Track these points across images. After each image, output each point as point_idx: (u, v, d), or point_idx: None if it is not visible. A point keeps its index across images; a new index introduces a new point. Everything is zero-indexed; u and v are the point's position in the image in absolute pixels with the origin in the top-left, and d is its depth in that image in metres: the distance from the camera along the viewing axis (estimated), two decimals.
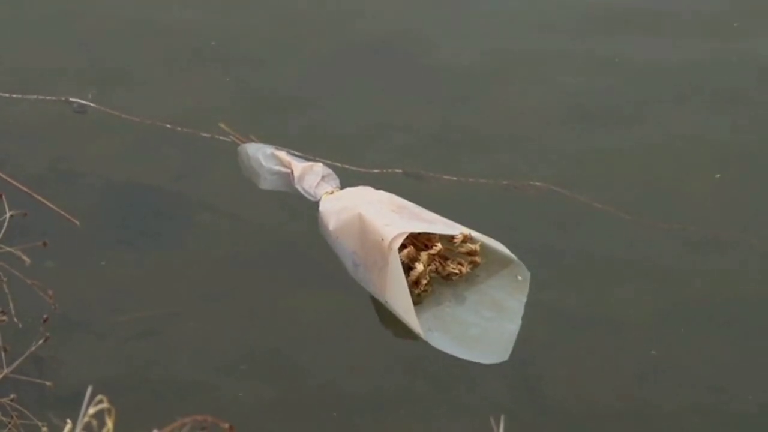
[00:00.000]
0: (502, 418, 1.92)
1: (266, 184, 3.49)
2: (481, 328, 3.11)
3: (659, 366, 3.06)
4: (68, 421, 1.71)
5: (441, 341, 3.07)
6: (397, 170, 3.54)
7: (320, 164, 3.46)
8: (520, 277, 3.20)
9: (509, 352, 3.04)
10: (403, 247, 3.10)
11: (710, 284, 3.28)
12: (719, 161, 3.66)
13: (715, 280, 3.30)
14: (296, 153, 3.55)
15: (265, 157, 3.51)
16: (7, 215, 2.49)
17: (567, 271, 3.30)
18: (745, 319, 3.19)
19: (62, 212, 3.13)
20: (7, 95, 3.74)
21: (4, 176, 3.01)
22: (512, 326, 3.11)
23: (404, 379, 3.05)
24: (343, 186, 3.40)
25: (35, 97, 3.76)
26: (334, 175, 3.44)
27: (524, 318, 3.14)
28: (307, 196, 3.40)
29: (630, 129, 3.77)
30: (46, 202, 3.10)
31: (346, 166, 3.52)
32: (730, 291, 3.26)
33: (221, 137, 3.63)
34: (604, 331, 3.15)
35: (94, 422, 1.56)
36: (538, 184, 3.50)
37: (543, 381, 3.02)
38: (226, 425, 1.61)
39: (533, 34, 4.15)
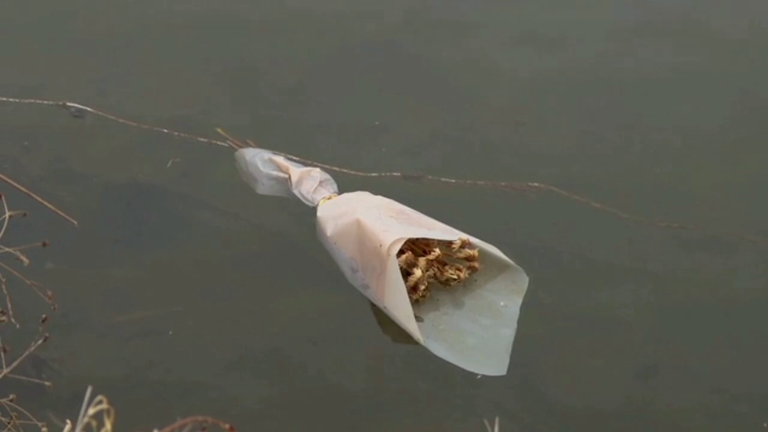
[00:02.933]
0: (497, 420, 1.93)
1: (264, 189, 3.49)
2: (478, 337, 3.11)
3: (659, 366, 3.06)
4: (68, 421, 1.71)
5: (439, 349, 3.06)
6: (395, 173, 3.54)
7: (318, 169, 3.45)
8: (517, 282, 3.19)
9: (506, 365, 3.02)
10: (401, 252, 3.09)
11: (710, 283, 3.28)
12: (718, 162, 3.66)
13: (714, 279, 3.30)
14: (294, 158, 3.55)
15: (262, 162, 3.51)
16: (7, 215, 2.48)
17: (566, 271, 3.30)
18: (744, 319, 3.19)
19: (61, 213, 3.13)
20: (3, 99, 3.74)
21: (3, 177, 3.01)
22: (509, 331, 3.10)
23: (404, 379, 3.05)
24: (341, 191, 3.39)
25: (32, 101, 3.75)
26: (332, 180, 3.43)
27: (524, 318, 3.14)
28: (304, 201, 3.39)
29: (628, 129, 3.77)
30: (45, 202, 3.09)
31: (345, 171, 3.52)
32: (730, 290, 3.26)
33: (219, 142, 3.63)
34: (604, 331, 3.16)
35: (94, 422, 1.56)
36: (536, 184, 3.50)
37: (543, 381, 3.02)
38: (227, 426, 1.61)
39: (533, 35, 4.15)
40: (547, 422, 2.93)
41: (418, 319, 3.10)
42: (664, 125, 3.79)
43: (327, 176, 3.44)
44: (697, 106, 3.87)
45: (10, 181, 3.00)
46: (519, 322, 3.13)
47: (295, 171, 3.45)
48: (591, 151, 3.68)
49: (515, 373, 3.04)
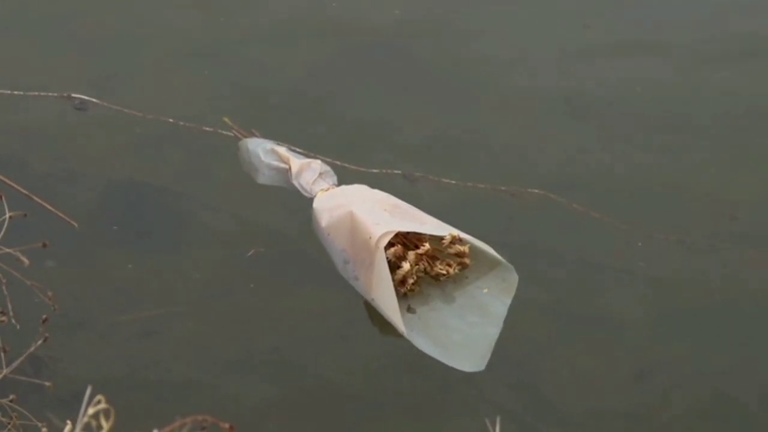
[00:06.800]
0: (498, 420, 1.93)
1: (264, 179, 3.50)
2: (464, 334, 3.11)
3: (659, 367, 3.06)
4: (68, 422, 1.71)
5: (424, 343, 3.07)
6: (396, 171, 3.54)
7: (318, 161, 3.47)
8: (507, 280, 3.20)
9: (486, 361, 3.03)
10: (391, 245, 3.10)
11: (709, 285, 3.29)
12: (717, 168, 3.66)
13: (713, 281, 3.30)
14: (296, 149, 3.55)
15: (264, 153, 3.52)
16: (7, 216, 2.48)
17: (566, 273, 3.31)
18: (744, 320, 3.19)
19: (62, 215, 3.13)
20: (8, 92, 3.73)
21: (4, 179, 3.01)
22: (494, 330, 3.10)
23: (404, 379, 3.05)
24: (341, 184, 3.40)
25: (37, 93, 3.75)
26: (332, 173, 3.44)
27: (524, 319, 3.15)
28: (303, 192, 3.40)
29: (628, 136, 3.77)
30: (45, 204, 3.09)
31: (346, 165, 3.52)
32: (729, 291, 3.27)
33: (224, 132, 3.64)
34: (604, 331, 3.16)
35: (94, 422, 1.56)
36: (536, 191, 3.50)
37: (542, 381, 3.02)
38: (227, 425, 1.61)
39: (535, 37, 4.15)
40: (547, 422, 2.94)
41: (411, 310, 3.11)
42: (664, 132, 3.79)
43: (327, 168, 3.45)
44: (696, 112, 3.88)
45: (10, 182, 3.00)
46: (519, 323, 3.14)
47: (296, 162, 3.46)
48: (591, 160, 3.68)
49: (516, 373, 3.04)
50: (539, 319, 3.17)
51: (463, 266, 3.19)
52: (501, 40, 4.14)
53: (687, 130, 3.79)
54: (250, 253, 3.27)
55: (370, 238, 3.09)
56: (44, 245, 2.56)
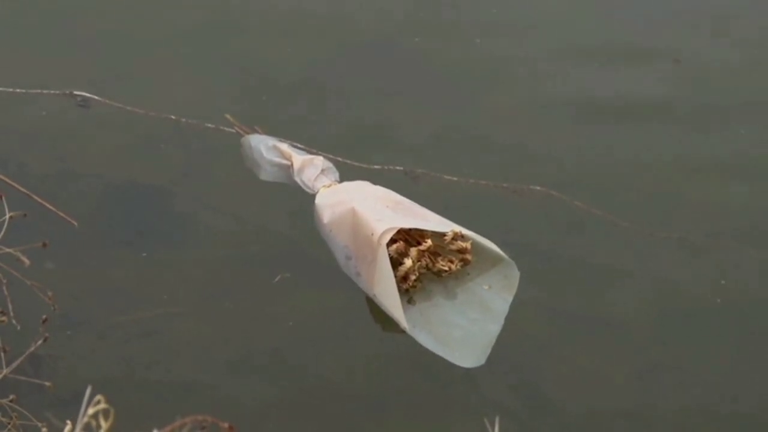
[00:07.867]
0: (497, 419, 1.93)
1: (266, 175, 3.51)
2: (465, 330, 3.11)
3: (658, 366, 3.06)
4: (68, 422, 1.71)
5: (425, 339, 3.07)
6: (398, 167, 3.55)
7: (321, 158, 3.47)
8: (508, 277, 3.19)
9: (486, 356, 3.03)
10: (393, 241, 3.10)
11: (709, 284, 3.29)
12: (717, 169, 3.66)
13: (714, 281, 3.30)
14: (299, 146, 3.56)
15: (266, 149, 3.53)
16: (7, 216, 2.48)
17: (566, 272, 3.31)
18: (743, 320, 3.19)
19: (61, 213, 3.13)
20: (10, 90, 3.73)
21: (4, 178, 3.01)
22: (494, 327, 3.10)
23: (404, 379, 3.05)
24: (343, 181, 3.40)
25: (38, 91, 3.75)
26: (334, 169, 3.44)
27: (524, 318, 3.15)
28: (305, 188, 3.40)
29: (630, 136, 3.77)
30: (45, 203, 3.09)
31: (348, 161, 3.52)
32: (729, 291, 3.27)
33: (226, 128, 3.64)
34: (604, 331, 3.16)
35: (94, 422, 1.56)
36: (538, 188, 3.50)
37: (543, 381, 3.02)
38: (226, 425, 1.61)
39: (534, 36, 4.15)
40: (547, 422, 2.94)
41: (411, 302, 3.12)
42: (664, 132, 3.79)
43: (329, 164, 3.45)
44: (693, 110, 3.88)
45: (10, 181, 3.00)
46: (519, 322, 3.14)
47: (298, 158, 3.46)
48: (593, 157, 3.68)
49: (516, 372, 3.04)
50: (539, 319, 3.17)
51: (465, 262, 3.19)
52: (502, 39, 4.14)
53: (686, 129, 3.79)
54: (276, 279, 3.26)
55: (372, 234, 3.09)
56: (44, 245, 2.56)
